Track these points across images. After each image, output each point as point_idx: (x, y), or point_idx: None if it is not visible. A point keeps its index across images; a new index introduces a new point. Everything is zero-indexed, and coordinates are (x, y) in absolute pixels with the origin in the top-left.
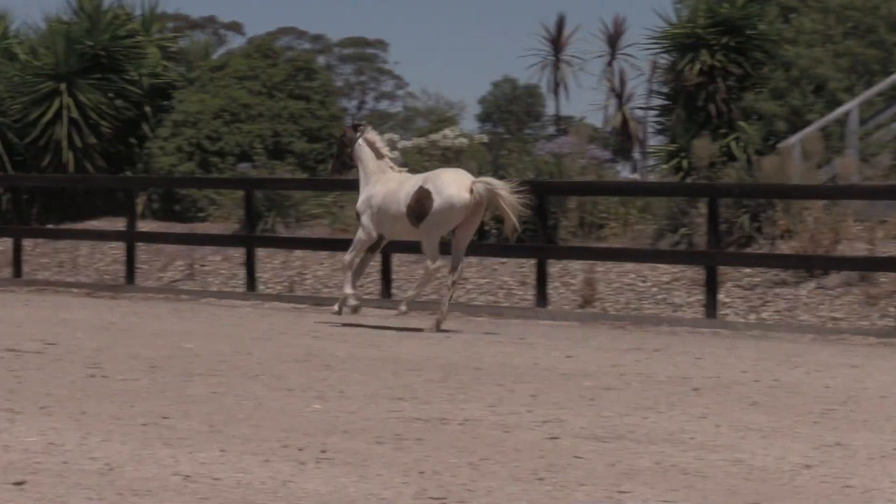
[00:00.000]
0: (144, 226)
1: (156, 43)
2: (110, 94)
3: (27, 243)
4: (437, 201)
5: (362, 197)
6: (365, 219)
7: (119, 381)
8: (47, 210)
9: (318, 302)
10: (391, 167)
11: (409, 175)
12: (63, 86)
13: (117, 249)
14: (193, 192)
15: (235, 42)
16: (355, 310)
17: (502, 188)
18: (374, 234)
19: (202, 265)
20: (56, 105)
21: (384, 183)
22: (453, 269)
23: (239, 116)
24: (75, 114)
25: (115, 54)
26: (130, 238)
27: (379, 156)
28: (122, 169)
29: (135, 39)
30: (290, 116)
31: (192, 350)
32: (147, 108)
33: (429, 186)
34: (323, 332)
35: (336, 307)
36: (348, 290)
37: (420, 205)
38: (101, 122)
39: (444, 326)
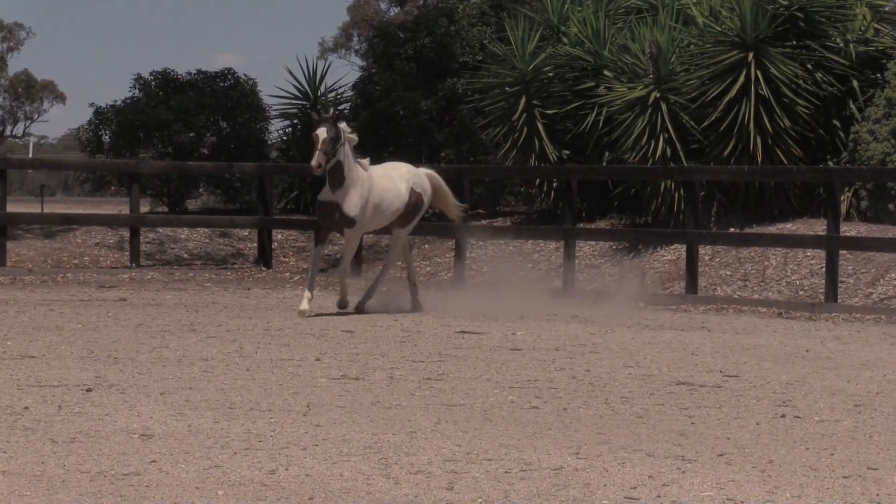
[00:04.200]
0: (849, 229)
1: (866, 1)
2: (808, 66)
3: (704, 251)
4: (425, 198)
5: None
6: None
7: (816, 422)
8: (729, 210)
9: None
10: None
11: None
12: (750, 56)
13: (814, 259)
14: None
15: None
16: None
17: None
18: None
19: None
20: (742, 79)
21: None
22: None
23: None
24: (765, 90)
25: (814, 16)
26: (832, 244)
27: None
28: (823, 158)
29: None
30: None
31: None
32: (854, 83)
33: (416, 188)
34: None
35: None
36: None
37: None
38: (796, 101)
39: None
